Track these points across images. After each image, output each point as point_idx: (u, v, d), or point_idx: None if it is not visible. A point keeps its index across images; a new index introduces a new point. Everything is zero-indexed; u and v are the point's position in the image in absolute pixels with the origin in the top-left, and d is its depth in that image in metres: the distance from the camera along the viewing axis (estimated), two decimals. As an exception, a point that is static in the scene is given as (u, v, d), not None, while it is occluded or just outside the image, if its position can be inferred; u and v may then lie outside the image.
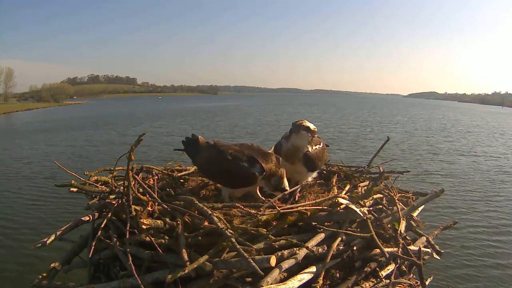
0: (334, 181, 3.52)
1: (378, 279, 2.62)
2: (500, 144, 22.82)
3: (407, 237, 3.06)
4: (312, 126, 3.11)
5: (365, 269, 2.63)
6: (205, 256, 2.12)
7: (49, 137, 22.76)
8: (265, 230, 2.31)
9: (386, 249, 2.56)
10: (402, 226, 2.91)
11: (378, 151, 3.91)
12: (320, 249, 2.37)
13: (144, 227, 2.22)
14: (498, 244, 7.27)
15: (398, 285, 2.71)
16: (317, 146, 3.24)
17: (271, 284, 2.06)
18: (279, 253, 2.20)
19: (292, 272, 2.23)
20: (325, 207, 2.64)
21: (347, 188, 3.26)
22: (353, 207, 2.57)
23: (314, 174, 3.45)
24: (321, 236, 2.42)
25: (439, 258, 3.23)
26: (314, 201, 2.69)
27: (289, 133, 3.15)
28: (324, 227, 2.48)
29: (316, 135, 3.43)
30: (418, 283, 2.81)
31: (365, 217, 2.57)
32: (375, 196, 3.07)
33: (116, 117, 37.52)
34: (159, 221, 2.31)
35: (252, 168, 2.68)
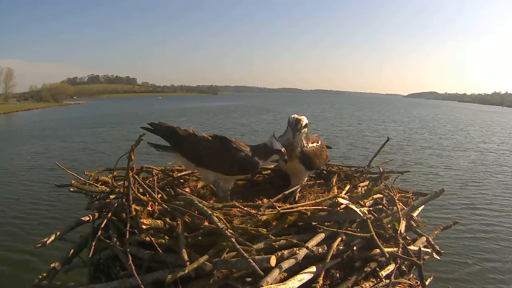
0: (334, 181, 3.50)
1: (378, 279, 2.62)
2: (497, 141, 22.84)
3: (407, 237, 3.05)
4: (305, 120, 3.09)
5: (365, 269, 2.63)
6: (205, 256, 2.12)
7: (51, 136, 22.74)
8: (265, 230, 2.31)
9: (386, 249, 2.56)
10: (402, 226, 2.91)
11: (378, 151, 3.90)
12: (320, 249, 2.37)
13: (144, 227, 2.22)
14: (498, 243, 7.27)
15: (398, 285, 2.71)
16: (314, 144, 3.21)
17: (271, 284, 2.06)
18: (279, 253, 2.20)
19: (292, 272, 2.23)
20: (325, 207, 2.63)
21: (347, 188, 3.24)
22: (353, 207, 2.56)
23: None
24: (321, 236, 2.42)
25: (439, 258, 3.22)
26: (314, 201, 2.68)
27: (287, 128, 3.11)
28: (324, 227, 2.48)
29: (315, 134, 3.42)
30: (418, 283, 2.81)
31: (365, 217, 2.57)
32: (375, 196, 3.06)
33: (117, 117, 37.52)
34: (159, 221, 2.30)
35: (255, 157, 2.85)
